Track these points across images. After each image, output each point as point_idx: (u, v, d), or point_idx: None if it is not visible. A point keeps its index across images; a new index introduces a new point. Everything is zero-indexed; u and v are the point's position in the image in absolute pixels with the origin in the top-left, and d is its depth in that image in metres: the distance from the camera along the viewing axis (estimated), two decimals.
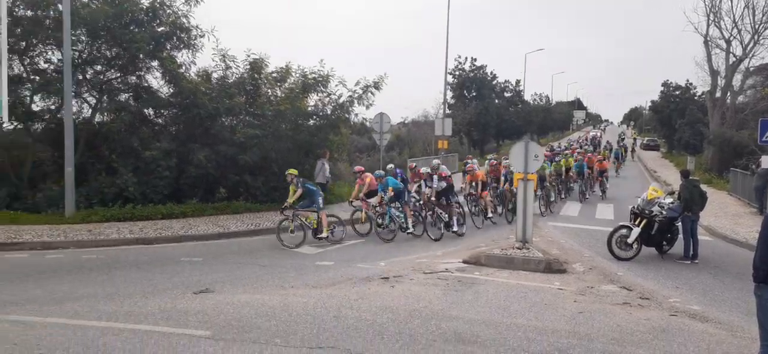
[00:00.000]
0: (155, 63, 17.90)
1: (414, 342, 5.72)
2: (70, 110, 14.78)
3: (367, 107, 19.73)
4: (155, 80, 18.46)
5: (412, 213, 13.51)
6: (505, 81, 58.43)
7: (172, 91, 18.07)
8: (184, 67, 18.15)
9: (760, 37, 35.78)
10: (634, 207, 11.56)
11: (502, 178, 16.83)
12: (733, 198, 22.87)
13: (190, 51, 18.27)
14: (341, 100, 19.14)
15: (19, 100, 16.77)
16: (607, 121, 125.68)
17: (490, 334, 6.01)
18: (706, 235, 14.47)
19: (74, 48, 16.30)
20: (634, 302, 7.91)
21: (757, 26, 35.64)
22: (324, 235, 12.37)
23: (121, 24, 16.79)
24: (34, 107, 17.81)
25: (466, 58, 51.47)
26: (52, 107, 17.63)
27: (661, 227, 11.24)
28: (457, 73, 51.08)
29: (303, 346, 5.59)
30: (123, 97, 18.52)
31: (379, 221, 13.35)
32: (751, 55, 36.56)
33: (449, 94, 46.07)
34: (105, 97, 18.27)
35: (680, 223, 11.49)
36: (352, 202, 13.99)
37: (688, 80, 54.65)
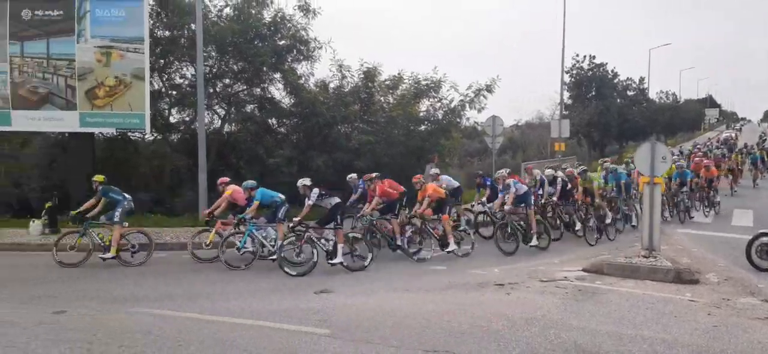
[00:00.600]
0: (277, 75, 18.98)
1: (531, 350, 5.59)
2: (202, 122, 16.02)
3: (479, 111, 19.61)
4: (278, 91, 19.60)
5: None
6: (628, 79, 54.99)
7: (293, 101, 19.05)
8: (303, 78, 19.11)
9: None
10: None
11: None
12: None
13: (309, 62, 19.22)
14: (453, 105, 19.18)
15: (158, 113, 18.51)
16: (744, 119, 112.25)
17: (613, 345, 5.72)
18: None
19: (205, 64, 17.70)
20: None
21: None
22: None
23: (247, 39, 17.99)
24: (172, 119, 19.62)
25: (585, 56, 49.20)
26: (187, 119, 19.29)
27: None
28: (574, 71, 48.98)
29: (418, 348, 5.66)
30: (249, 108, 19.82)
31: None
32: None
33: (566, 94, 44.26)
34: (233, 109, 19.65)
35: None
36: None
37: None
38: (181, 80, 19.32)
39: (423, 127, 19.32)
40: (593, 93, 48.56)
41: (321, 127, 18.02)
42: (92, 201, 10.92)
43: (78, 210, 10.98)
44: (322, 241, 10.55)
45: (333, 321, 6.66)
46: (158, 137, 19.78)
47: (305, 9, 18.71)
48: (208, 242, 11.36)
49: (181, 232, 14.00)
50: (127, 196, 11.17)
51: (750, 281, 9.26)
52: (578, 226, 13.37)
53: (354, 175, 13.55)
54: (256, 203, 11.04)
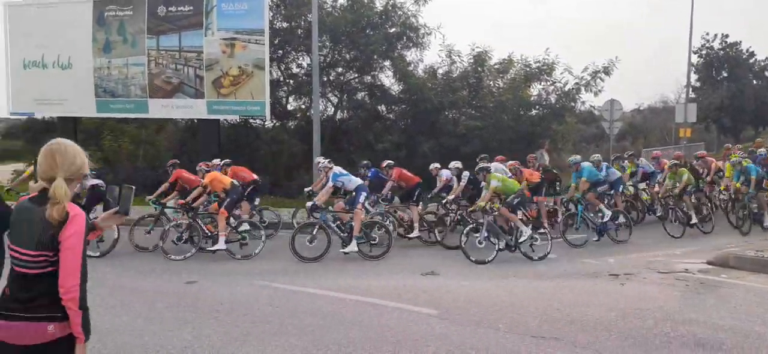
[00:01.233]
0: (387, 62, 19.34)
1: (645, 342, 5.38)
2: (317, 109, 16.69)
3: (596, 94, 18.74)
4: (387, 79, 19.97)
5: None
6: (766, 58, 49.84)
7: (401, 88, 19.32)
8: (412, 65, 19.33)
9: None
10: None
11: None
12: None
13: (418, 49, 19.39)
14: (567, 88, 18.47)
15: (277, 101, 19.56)
16: None
17: (737, 341, 5.36)
18: None
19: (320, 53, 18.39)
20: None
21: None
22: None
23: (359, 28, 18.48)
24: (289, 107, 20.65)
25: (715, 34, 45.14)
26: (303, 107, 20.22)
27: None
28: (703, 52, 45.10)
29: (526, 334, 5.64)
30: (359, 95, 20.38)
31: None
32: None
33: (693, 76, 40.93)
34: (345, 96, 20.30)
35: None
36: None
37: None
38: (298, 69, 20.27)
39: (534, 112, 18.81)
40: (724, 75, 44.42)
41: (428, 113, 18.13)
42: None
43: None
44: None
45: (441, 302, 6.80)
46: (277, 124, 20.93)
47: None
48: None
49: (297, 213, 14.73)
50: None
51: None
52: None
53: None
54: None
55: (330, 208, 10.92)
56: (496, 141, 17.55)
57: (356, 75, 20.26)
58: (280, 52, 19.47)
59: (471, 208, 11.13)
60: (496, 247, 9.85)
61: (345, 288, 7.62)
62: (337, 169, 10.59)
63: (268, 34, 15.66)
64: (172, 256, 9.73)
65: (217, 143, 16.42)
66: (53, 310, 2.50)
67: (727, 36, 45.13)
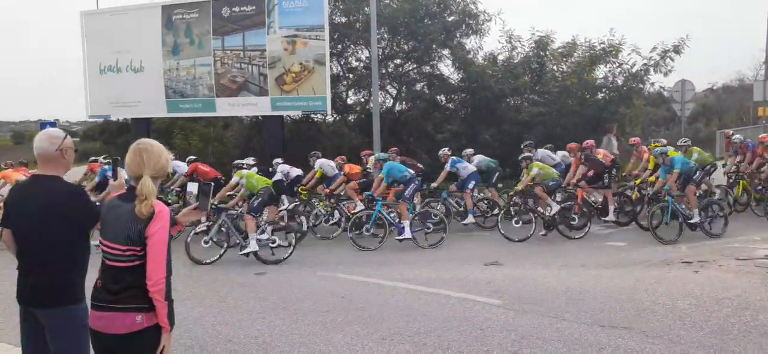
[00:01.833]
0: (446, 51, 19.18)
1: (723, 332, 5.17)
2: (377, 102, 16.77)
3: (665, 74, 17.86)
4: (446, 68, 19.80)
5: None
6: None
7: (461, 76, 19.13)
8: (471, 53, 19.08)
9: None
10: None
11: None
12: None
13: (478, 36, 19.13)
14: (634, 70, 17.75)
15: (337, 96, 19.80)
16: None
17: None
18: None
19: (378, 45, 18.48)
20: None
21: None
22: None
23: (417, 19, 18.41)
24: (349, 101, 20.87)
25: None
26: (362, 100, 20.39)
27: None
28: None
29: (594, 323, 5.54)
30: (418, 86, 20.34)
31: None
32: None
33: None
34: (404, 88, 20.31)
35: None
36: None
37: None
38: (357, 63, 20.41)
39: (600, 96, 18.18)
40: None
41: (489, 101, 17.88)
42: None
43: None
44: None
45: (505, 292, 6.76)
46: (337, 118, 21.21)
47: None
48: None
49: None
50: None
51: None
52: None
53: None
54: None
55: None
56: (560, 127, 17.10)
57: (415, 66, 20.23)
58: (340, 46, 19.68)
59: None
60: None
61: (409, 278, 7.69)
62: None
63: (328, 30, 15.88)
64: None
65: (281, 139, 16.82)
66: (141, 301, 2.69)
67: None
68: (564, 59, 18.56)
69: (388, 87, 20.54)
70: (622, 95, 17.97)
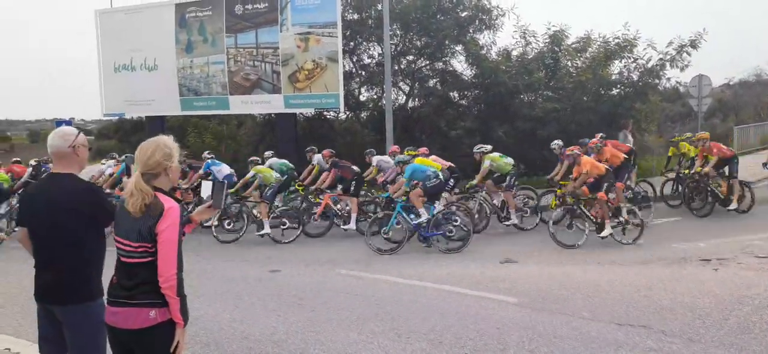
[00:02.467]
0: (459, 47, 19.07)
1: (743, 331, 5.08)
2: (389, 99, 16.74)
3: (682, 69, 17.61)
4: (459, 64, 19.70)
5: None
6: None
7: (474, 72, 19.03)
8: (485, 49, 18.95)
9: None
10: None
11: None
12: None
13: (491, 31, 19.00)
14: (650, 65, 17.54)
15: (350, 93, 19.78)
16: None
17: None
18: None
19: (391, 42, 18.43)
20: None
21: None
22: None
23: (429, 14, 18.34)
24: (361, 98, 20.84)
25: None
26: (375, 97, 20.36)
27: None
28: None
29: (611, 321, 5.48)
30: (431, 82, 20.26)
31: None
32: None
33: None
34: (416, 84, 20.25)
35: None
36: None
37: None
38: (369, 60, 20.38)
39: (615, 91, 17.98)
40: None
41: (502, 97, 17.77)
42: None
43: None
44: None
45: (520, 290, 6.70)
46: (350, 115, 21.19)
47: None
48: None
49: None
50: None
51: None
52: None
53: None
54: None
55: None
56: (575, 123, 16.94)
57: (427, 62, 20.15)
58: (352, 43, 19.66)
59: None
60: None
61: (424, 276, 7.67)
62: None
63: (341, 27, 15.86)
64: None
65: (294, 137, 16.84)
66: (154, 297, 2.70)
67: None
68: (579, 54, 18.38)
69: (401, 83, 20.50)
70: (637, 91, 17.77)
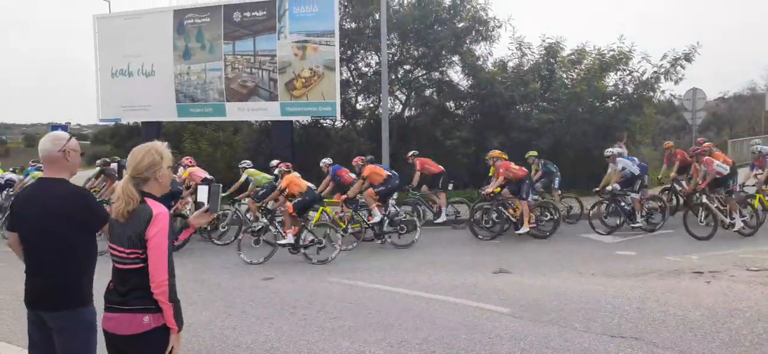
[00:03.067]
0: (456, 58, 19.19)
1: (735, 343, 5.11)
2: (386, 108, 16.80)
3: (676, 82, 17.75)
4: (455, 74, 19.81)
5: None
6: None
7: (470, 83, 19.12)
8: (481, 59, 19.08)
9: None
10: None
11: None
12: None
13: (488, 42, 19.13)
14: (644, 77, 17.66)
15: (346, 101, 19.83)
16: None
17: None
18: None
19: (388, 51, 18.50)
20: None
21: None
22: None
23: (427, 25, 18.45)
24: (358, 106, 20.89)
25: None
26: (371, 106, 20.41)
27: None
28: None
29: (604, 333, 5.49)
30: (428, 92, 20.34)
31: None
32: None
33: None
34: (413, 94, 20.32)
35: None
36: None
37: None
38: (366, 69, 20.47)
39: (610, 103, 18.09)
40: None
41: (498, 108, 17.85)
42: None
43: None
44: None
45: (513, 300, 6.71)
46: (346, 123, 21.24)
47: None
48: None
49: None
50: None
51: None
52: None
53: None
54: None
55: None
56: (570, 134, 17.03)
57: (424, 72, 20.24)
58: (349, 52, 19.74)
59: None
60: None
61: (417, 285, 7.66)
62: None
63: (338, 35, 15.92)
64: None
65: (290, 144, 16.87)
66: (148, 303, 2.71)
67: None
68: (574, 66, 18.49)
69: (398, 93, 20.56)
70: (632, 103, 17.87)
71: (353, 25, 19.64)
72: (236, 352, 5.29)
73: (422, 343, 5.35)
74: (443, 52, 18.87)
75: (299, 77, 16.10)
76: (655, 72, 17.46)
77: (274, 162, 12.55)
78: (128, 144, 24.37)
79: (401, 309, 6.54)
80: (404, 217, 11.31)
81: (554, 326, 5.73)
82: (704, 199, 10.91)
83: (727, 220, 10.73)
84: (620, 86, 18.12)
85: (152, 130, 17.90)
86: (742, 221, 10.73)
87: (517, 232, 11.20)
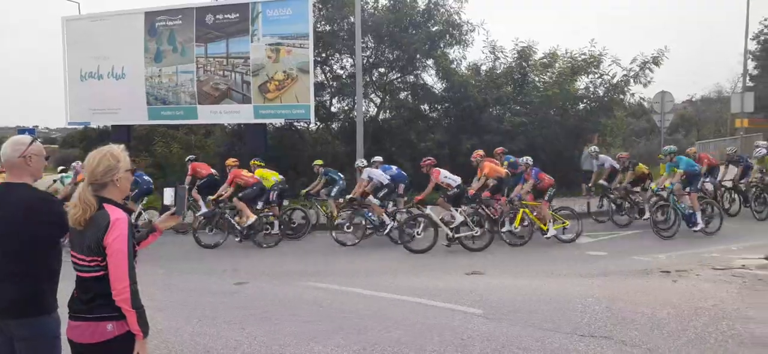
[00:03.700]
0: (430, 61, 19.31)
1: (700, 341, 5.22)
2: (361, 110, 16.79)
3: (645, 85, 18.19)
4: (430, 77, 19.94)
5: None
6: None
7: (444, 86, 19.25)
8: (455, 63, 19.26)
9: None
10: None
11: None
12: None
13: (461, 46, 19.30)
14: (615, 81, 18.00)
15: (321, 104, 19.78)
16: None
17: None
18: None
19: (363, 54, 18.50)
20: None
21: None
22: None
23: (401, 28, 18.52)
24: (333, 109, 20.85)
25: None
26: (346, 108, 20.38)
27: None
28: (762, 38, 43.02)
29: (574, 333, 5.56)
30: (402, 95, 20.41)
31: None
32: None
33: (751, 64, 39.18)
34: (387, 96, 20.37)
35: None
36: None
37: None
38: (341, 71, 20.46)
39: (581, 106, 18.41)
40: None
41: (472, 111, 18.01)
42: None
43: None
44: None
45: (485, 301, 6.76)
46: (321, 126, 21.17)
47: None
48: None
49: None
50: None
51: None
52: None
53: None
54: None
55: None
56: (542, 137, 17.26)
57: (399, 75, 20.32)
58: (324, 54, 19.70)
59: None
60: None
61: (389, 288, 7.66)
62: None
63: (312, 38, 15.86)
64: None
65: (264, 147, 16.73)
66: (111, 310, 2.66)
67: None
68: (546, 70, 18.75)
69: (372, 95, 20.60)
70: (602, 106, 18.21)
71: (328, 27, 19.61)
72: None
73: (395, 345, 5.35)
74: (418, 56, 18.97)
75: (273, 80, 15.99)
76: (624, 75, 17.84)
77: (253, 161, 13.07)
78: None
79: (374, 312, 6.53)
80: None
81: (526, 327, 5.79)
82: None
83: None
84: (591, 89, 18.44)
85: (122, 134, 17.58)
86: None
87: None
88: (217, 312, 6.75)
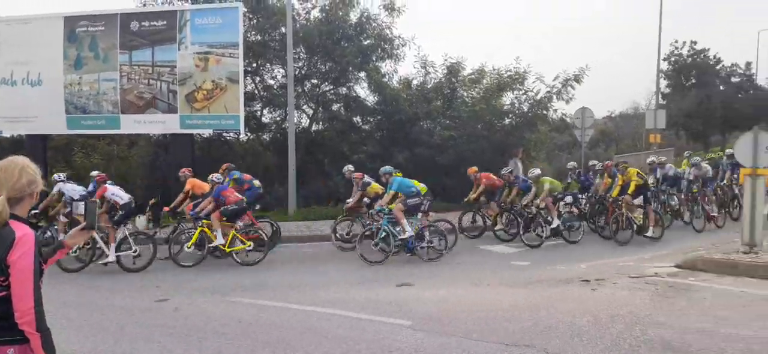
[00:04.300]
0: (362, 74, 19.41)
1: (615, 347, 5.49)
2: (292, 121, 16.63)
3: (567, 102, 19.02)
4: (362, 90, 20.05)
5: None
6: (733, 64, 50.89)
7: (376, 99, 19.40)
8: (387, 76, 19.45)
9: None
10: None
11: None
12: None
13: (393, 60, 19.55)
14: (539, 97, 18.73)
15: (251, 114, 19.46)
16: None
17: (704, 343, 5.49)
18: None
19: (295, 65, 18.38)
20: None
21: None
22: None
23: (334, 40, 18.55)
24: (264, 120, 20.56)
25: (684, 42, 46.06)
26: (278, 119, 20.16)
27: None
28: (672, 59, 46.02)
29: (499, 341, 5.71)
30: (335, 107, 20.41)
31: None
32: None
33: (663, 82, 41.79)
34: (320, 108, 20.31)
35: None
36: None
37: None
38: (272, 81, 20.23)
39: (507, 121, 19.03)
40: (693, 81, 45.42)
41: (403, 124, 18.25)
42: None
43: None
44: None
45: (414, 313, 6.83)
46: (251, 137, 20.81)
47: (390, 7, 19.09)
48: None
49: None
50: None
51: None
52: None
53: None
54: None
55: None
56: (470, 150, 17.68)
57: (331, 87, 20.32)
58: (254, 64, 19.43)
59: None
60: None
61: (318, 301, 7.60)
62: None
63: (242, 47, 15.60)
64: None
65: (191, 158, 16.24)
66: (13, 333, 2.48)
67: (695, 43, 46.01)
68: (474, 85, 19.27)
69: (305, 106, 20.49)
70: (527, 121, 18.89)
71: (259, 37, 19.36)
72: None
73: None
74: (350, 68, 19.04)
75: (201, 89, 15.58)
76: (548, 92, 18.57)
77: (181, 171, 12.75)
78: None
79: (301, 326, 6.46)
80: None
81: (453, 337, 5.89)
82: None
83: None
84: (516, 105, 19.08)
85: (37, 144, 16.60)
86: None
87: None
88: (138, 331, 6.47)
